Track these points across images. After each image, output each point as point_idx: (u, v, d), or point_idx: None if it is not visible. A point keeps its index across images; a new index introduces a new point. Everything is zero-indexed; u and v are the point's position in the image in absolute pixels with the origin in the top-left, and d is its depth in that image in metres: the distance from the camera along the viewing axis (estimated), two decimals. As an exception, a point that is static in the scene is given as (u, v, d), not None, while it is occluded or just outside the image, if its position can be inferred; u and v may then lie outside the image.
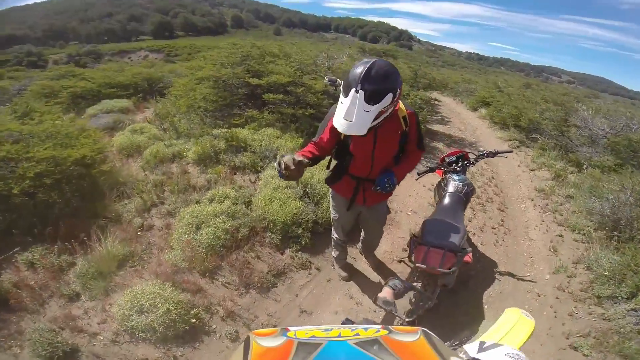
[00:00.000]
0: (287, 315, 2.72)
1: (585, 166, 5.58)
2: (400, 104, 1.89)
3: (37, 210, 2.96)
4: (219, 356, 2.40)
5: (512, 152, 3.31)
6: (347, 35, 75.85)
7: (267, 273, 2.91)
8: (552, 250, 3.62)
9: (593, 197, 4.13)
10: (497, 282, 3.16)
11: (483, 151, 3.17)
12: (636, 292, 2.81)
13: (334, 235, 2.72)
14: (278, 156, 1.85)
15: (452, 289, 2.91)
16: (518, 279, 3.21)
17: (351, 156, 2.03)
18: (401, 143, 1.99)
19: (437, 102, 10.03)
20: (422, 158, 5.41)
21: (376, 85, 1.54)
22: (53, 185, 3.01)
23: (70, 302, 2.60)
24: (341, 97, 1.62)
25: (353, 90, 1.55)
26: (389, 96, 1.57)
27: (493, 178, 5.36)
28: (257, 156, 4.01)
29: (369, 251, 3.09)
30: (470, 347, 1.00)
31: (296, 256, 3.12)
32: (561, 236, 3.84)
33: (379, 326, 0.66)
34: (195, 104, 5.03)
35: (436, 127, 7.74)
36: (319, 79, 5.02)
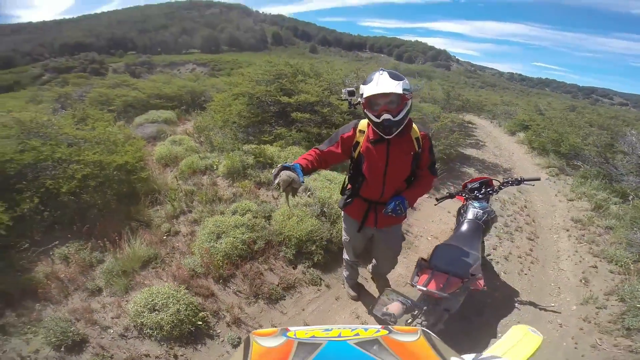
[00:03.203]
0: None
1: (631, 197, 5.25)
2: (414, 126, 1.98)
3: (79, 209, 3.25)
4: (218, 359, 2.47)
5: (539, 179, 3.18)
6: (382, 55, 76.27)
7: (278, 285, 3.00)
8: (582, 281, 3.46)
9: (635, 229, 3.96)
10: (516, 311, 3.04)
11: (508, 178, 3.08)
12: (671, 325, 2.64)
13: (345, 256, 2.77)
14: (281, 164, 1.84)
15: (465, 316, 2.88)
16: (540, 309, 3.08)
17: (363, 178, 2.08)
18: (413, 165, 2.03)
19: (471, 125, 9.80)
20: (440, 184, 5.35)
21: (392, 73, 1.78)
22: (96, 187, 3.30)
23: (92, 296, 2.77)
24: (364, 88, 1.82)
25: (377, 73, 1.79)
26: (406, 81, 1.79)
27: (525, 207, 5.20)
28: None
29: (378, 276, 3.09)
30: (467, 357, 1.01)
31: (307, 272, 3.19)
32: (595, 267, 3.68)
33: (379, 326, 0.66)
34: (230, 119, 5.36)
35: (469, 151, 7.58)
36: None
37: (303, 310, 2.92)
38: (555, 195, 5.78)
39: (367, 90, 1.78)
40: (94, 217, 3.27)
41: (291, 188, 1.78)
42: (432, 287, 2.13)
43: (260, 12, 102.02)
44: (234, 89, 6.04)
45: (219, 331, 2.64)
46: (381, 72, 1.78)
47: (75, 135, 3.71)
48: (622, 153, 6.34)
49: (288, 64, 5.99)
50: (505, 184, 3.04)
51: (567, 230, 4.53)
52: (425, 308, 2.11)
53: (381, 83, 1.74)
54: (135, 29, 60.51)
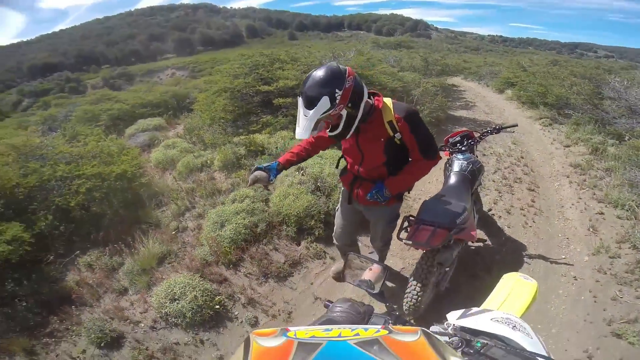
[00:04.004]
0: (302, 302, 2.94)
1: (627, 137, 5.25)
2: (389, 105, 1.83)
3: (92, 220, 3.52)
4: (240, 339, 2.62)
5: (516, 125, 3.22)
6: (361, 32, 75.07)
7: (284, 263, 3.19)
8: (591, 230, 3.39)
9: (634, 168, 3.87)
10: (526, 265, 3.04)
11: (487, 128, 3.16)
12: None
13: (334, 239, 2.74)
14: (256, 165, 2.09)
15: (475, 275, 2.94)
16: (551, 262, 3.05)
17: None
18: (389, 150, 1.93)
19: (455, 88, 9.86)
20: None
21: (310, 90, 1.63)
22: (102, 198, 3.56)
23: (120, 296, 3.03)
24: None
25: (299, 97, 1.69)
26: (325, 99, 1.61)
27: (522, 158, 5.23)
28: (274, 158, 4.31)
29: (374, 247, 2.84)
30: (452, 315, 1.01)
31: (311, 247, 3.37)
32: (602, 214, 3.63)
33: (379, 326, 0.66)
34: (216, 116, 5.53)
35: (460, 113, 7.61)
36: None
37: (312, 284, 3.08)
38: (551, 143, 5.80)
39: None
40: (106, 225, 3.52)
41: (261, 184, 2.10)
42: (418, 239, 2.14)
43: (228, 7, 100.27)
44: (214, 86, 6.17)
45: (236, 313, 2.82)
46: (300, 100, 1.68)
47: (70, 152, 3.91)
48: (609, 99, 6.36)
49: (263, 54, 6.14)
50: (485, 134, 3.14)
51: (568, 177, 4.50)
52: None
53: (300, 123, 1.69)
54: (101, 43, 58.53)
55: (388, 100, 1.87)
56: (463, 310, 1.04)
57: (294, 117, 4.86)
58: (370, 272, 1.63)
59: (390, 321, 0.98)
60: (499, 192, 4.22)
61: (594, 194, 3.98)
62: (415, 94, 6.22)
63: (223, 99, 5.63)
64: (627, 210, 3.55)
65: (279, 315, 2.83)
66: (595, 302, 2.66)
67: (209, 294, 2.78)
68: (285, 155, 2.12)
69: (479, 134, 3.17)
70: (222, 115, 5.44)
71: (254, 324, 2.76)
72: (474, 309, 1.03)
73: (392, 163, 2.00)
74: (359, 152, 2.00)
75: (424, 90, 6.42)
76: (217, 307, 2.76)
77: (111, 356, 2.55)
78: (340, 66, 1.68)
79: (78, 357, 2.54)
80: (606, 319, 2.50)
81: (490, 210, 3.87)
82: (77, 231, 3.45)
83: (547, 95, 7.43)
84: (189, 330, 2.66)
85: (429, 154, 1.92)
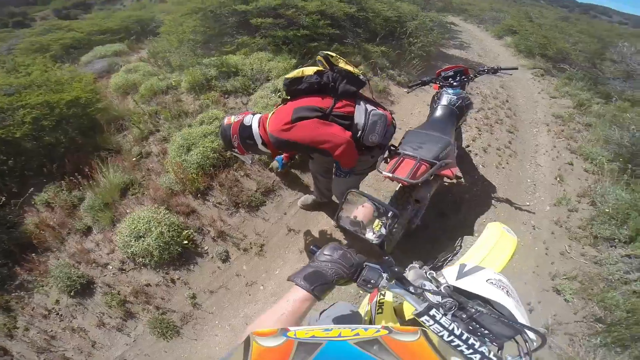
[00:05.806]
0: (275, 234, 2.90)
1: (614, 98, 5.55)
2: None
3: (44, 151, 3.24)
4: (212, 276, 2.64)
5: (516, 69, 3.23)
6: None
7: (256, 191, 3.08)
8: (558, 179, 3.59)
9: (613, 126, 4.10)
10: (492, 208, 3.16)
11: (484, 67, 3.08)
12: (635, 236, 2.72)
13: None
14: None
15: (443, 213, 3.04)
16: (515, 208, 3.20)
17: None
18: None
19: (454, 27, 9.58)
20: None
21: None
22: (54, 127, 3.28)
23: (84, 237, 2.86)
24: None
25: None
26: (235, 153, 2.22)
27: (507, 101, 5.32)
28: (248, 79, 4.14)
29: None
30: (450, 273, 1.02)
31: (287, 173, 3.25)
32: (571, 164, 3.86)
33: (379, 326, 0.68)
34: (185, 38, 5.11)
35: (452, 52, 7.58)
36: (314, 0, 4.84)
37: (285, 214, 3.04)
38: (539, 92, 5.92)
39: None
40: (61, 155, 3.28)
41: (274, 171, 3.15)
42: (399, 173, 2.07)
43: None
44: (183, 8, 5.66)
45: (206, 248, 2.76)
46: None
47: (10, 83, 3.56)
48: (611, 61, 6.62)
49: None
50: (481, 72, 3.06)
51: (547, 125, 4.70)
52: (397, 211, 1.46)
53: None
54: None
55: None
56: (458, 267, 1.03)
57: (274, 37, 4.61)
58: (361, 210, 1.45)
59: (384, 274, 0.92)
60: (479, 130, 4.32)
61: (569, 145, 4.21)
62: (410, 26, 6.04)
63: (193, 20, 5.17)
64: (595, 165, 3.77)
65: (251, 248, 2.80)
66: (546, 254, 2.81)
67: (176, 228, 2.67)
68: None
69: (475, 72, 3.07)
70: (190, 37, 5.04)
71: (225, 259, 2.72)
72: (469, 265, 1.03)
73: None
74: None
75: (420, 23, 6.24)
76: (185, 242, 2.67)
77: (85, 304, 2.49)
78: (228, 128, 2.08)
79: (53, 308, 2.47)
80: (551, 273, 2.66)
81: (468, 146, 3.97)
82: (29, 164, 3.19)
83: (548, 47, 7.51)
84: (159, 269, 2.61)
85: (322, 152, 2.01)
